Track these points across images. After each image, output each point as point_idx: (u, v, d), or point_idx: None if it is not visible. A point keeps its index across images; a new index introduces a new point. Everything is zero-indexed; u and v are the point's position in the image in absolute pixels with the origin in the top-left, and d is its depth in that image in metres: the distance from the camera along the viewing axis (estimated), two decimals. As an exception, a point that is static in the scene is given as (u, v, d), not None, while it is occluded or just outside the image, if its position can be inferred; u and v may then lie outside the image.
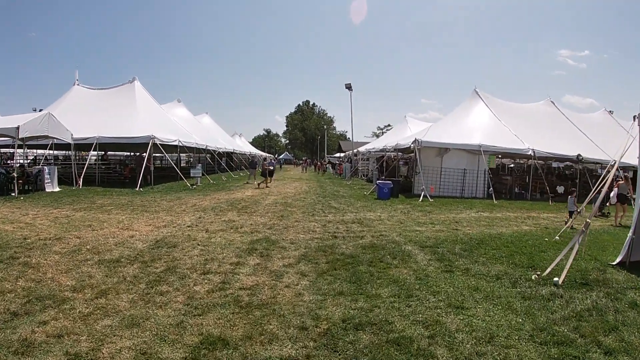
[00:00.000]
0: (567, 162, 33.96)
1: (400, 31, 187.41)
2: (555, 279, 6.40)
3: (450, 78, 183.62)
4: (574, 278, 6.55)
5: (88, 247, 7.76)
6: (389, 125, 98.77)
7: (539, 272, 6.89)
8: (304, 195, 18.39)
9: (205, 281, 5.91)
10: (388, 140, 29.19)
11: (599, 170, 31.42)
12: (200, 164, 26.36)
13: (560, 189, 23.29)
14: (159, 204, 14.34)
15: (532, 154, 20.66)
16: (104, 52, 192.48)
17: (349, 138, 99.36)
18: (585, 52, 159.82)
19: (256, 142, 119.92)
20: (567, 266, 6.60)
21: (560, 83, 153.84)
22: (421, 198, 17.07)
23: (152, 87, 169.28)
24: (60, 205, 13.36)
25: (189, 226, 10.14)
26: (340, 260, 7.01)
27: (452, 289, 5.83)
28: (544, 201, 20.24)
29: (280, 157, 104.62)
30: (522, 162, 35.38)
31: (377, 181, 17.34)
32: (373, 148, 32.86)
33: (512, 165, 35.90)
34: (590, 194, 9.90)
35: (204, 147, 30.86)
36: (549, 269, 6.83)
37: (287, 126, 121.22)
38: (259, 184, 22.80)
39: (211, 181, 25.18)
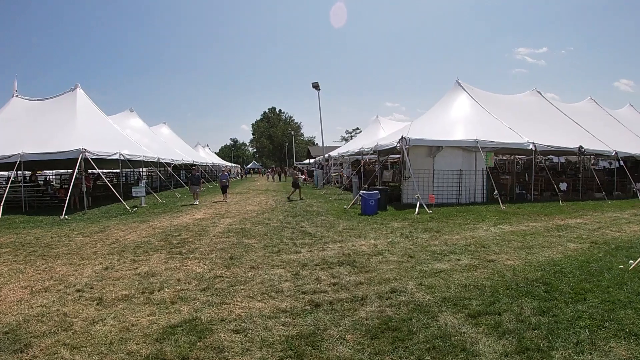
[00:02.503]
0: (550, 156, 31.84)
1: (363, 36, 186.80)
2: None
3: (412, 80, 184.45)
4: None
5: None
6: (357, 129, 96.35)
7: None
8: (268, 214, 14.53)
9: None
10: (364, 142, 25.70)
11: (600, 162, 29.25)
12: (144, 181, 22.09)
13: (563, 186, 20.41)
14: (71, 240, 10.33)
15: (534, 149, 17.67)
16: (62, 64, 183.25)
17: (317, 143, 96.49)
18: (543, 49, 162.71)
19: (223, 153, 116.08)
20: None
21: (521, 80, 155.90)
22: (417, 210, 13.54)
23: (112, 100, 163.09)
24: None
25: (79, 290, 6.22)
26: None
27: None
28: (550, 202, 17.32)
29: (248, 166, 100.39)
30: (504, 157, 32.85)
31: (361, 192, 13.71)
32: (347, 151, 29.32)
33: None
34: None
35: (155, 160, 26.70)
36: None
37: (253, 134, 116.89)
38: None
39: (160, 200, 20.92)
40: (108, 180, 23.76)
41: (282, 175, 47.80)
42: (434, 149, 16.49)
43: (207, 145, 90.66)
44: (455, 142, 16.66)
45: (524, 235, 9.90)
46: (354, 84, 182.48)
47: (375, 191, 13.57)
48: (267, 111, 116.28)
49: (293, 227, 11.25)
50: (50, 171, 35.66)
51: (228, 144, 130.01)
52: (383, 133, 30.30)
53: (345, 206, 15.53)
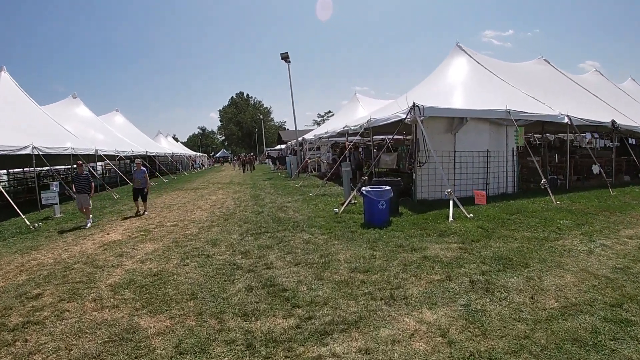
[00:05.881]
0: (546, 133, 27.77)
1: (329, 20, 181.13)
2: None
3: (380, 65, 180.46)
4: None
5: None
6: (330, 112, 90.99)
7: None
8: (218, 228, 9.34)
9: None
10: (347, 120, 20.70)
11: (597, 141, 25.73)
12: (56, 183, 16.39)
13: (596, 169, 16.11)
14: None
15: (569, 122, 13.21)
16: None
17: (287, 128, 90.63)
18: (509, 31, 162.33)
19: (192, 142, 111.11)
20: None
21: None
22: (451, 214, 8.72)
23: (87, 97, 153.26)
24: None
25: None
26: None
27: None
28: (591, 189, 13.12)
29: (217, 155, 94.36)
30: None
31: (364, 188, 8.72)
32: (325, 132, 24.23)
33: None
34: None
35: (91, 152, 21.16)
36: None
37: (221, 121, 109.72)
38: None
39: (82, 206, 15.47)
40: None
41: (249, 165, 39.87)
42: (456, 122, 11.75)
43: (174, 135, 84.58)
44: (484, 113, 11.99)
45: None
46: (321, 69, 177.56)
47: (385, 187, 8.64)
48: (234, 96, 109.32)
49: (252, 267, 6.06)
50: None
51: (196, 132, 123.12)
52: (363, 112, 25.58)
53: (335, 209, 10.54)
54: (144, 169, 13.36)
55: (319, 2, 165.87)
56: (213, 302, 4.71)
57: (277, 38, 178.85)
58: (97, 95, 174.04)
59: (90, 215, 11.74)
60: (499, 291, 4.72)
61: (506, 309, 4.25)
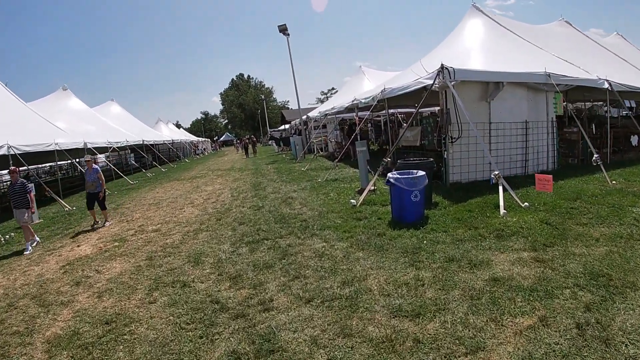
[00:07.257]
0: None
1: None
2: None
3: (381, 39, 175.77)
4: None
5: None
6: (333, 89, 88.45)
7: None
8: (207, 234, 7.51)
9: None
10: (357, 93, 18.67)
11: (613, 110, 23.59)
12: (31, 185, 14.13)
13: (634, 140, 14.15)
14: None
15: (609, 88, 11.15)
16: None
17: (290, 107, 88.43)
18: (510, 0, 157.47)
19: (195, 127, 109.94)
20: None
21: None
22: (502, 204, 6.83)
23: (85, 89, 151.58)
24: None
25: None
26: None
27: None
28: (632, 163, 11.20)
29: (221, 139, 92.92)
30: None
31: (390, 175, 6.82)
32: (332, 108, 22.20)
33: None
34: None
35: (80, 146, 19.47)
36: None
37: (223, 104, 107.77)
38: None
39: (66, 207, 13.85)
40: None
41: (251, 147, 36.37)
42: (491, 87, 9.81)
43: (176, 122, 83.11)
44: (522, 77, 10.05)
45: None
46: (320, 46, 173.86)
47: (418, 172, 6.78)
48: (235, 78, 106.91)
49: (243, 308, 4.21)
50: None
51: (199, 117, 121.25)
52: (370, 85, 23.54)
53: (352, 200, 8.73)
54: (96, 167, 10.45)
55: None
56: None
57: (273, 16, 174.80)
58: (96, 86, 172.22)
59: (35, 237, 8.94)
60: (622, 342, 2.95)
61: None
